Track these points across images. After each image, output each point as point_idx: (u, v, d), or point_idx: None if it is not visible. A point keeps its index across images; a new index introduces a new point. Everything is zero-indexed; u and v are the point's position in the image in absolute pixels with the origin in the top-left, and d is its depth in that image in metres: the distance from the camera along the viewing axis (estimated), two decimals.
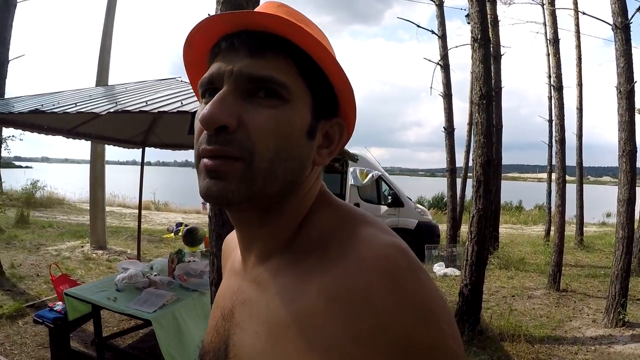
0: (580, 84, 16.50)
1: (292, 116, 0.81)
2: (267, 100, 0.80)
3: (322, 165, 0.91)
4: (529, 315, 8.18)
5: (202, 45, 0.90)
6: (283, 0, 0.93)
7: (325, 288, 0.71)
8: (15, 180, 25.27)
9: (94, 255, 11.61)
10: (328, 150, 0.90)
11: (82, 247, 12.47)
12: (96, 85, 10.40)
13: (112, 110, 4.60)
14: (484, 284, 7.74)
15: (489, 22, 12.54)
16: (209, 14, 3.17)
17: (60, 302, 5.48)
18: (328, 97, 0.87)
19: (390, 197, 13.96)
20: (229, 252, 1.17)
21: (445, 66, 14.49)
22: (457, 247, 12.64)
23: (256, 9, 0.90)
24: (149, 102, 4.79)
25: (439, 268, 11.66)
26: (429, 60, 14.88)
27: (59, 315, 5.29)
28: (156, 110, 4.41)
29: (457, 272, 11.04)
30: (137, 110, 4.51)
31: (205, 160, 0.80)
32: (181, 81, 7.28)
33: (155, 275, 5.51)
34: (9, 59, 9.39)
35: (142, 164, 10.11)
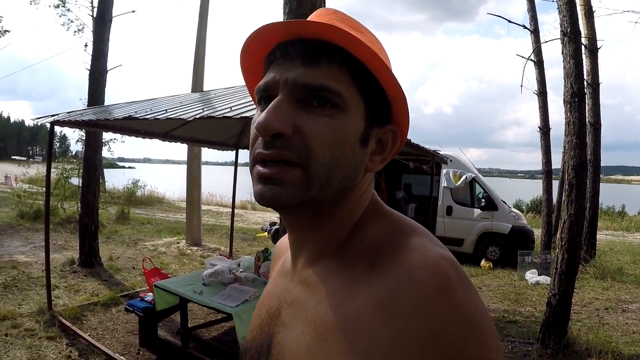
0: None
1: (346, 124, 0.82)
2: (321, 109, 0.81)
3: (374, 171, 0.92)
4: (620, 330, 7.44)
5: (258, 54, 0.91)
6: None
7: (376, 294, 0.72)
8: (117, 180, 26.21)
9: (189, 251, 12.06)
10: (381, 157, 0.91)
11: (178, 243, 13.01)
12: (192, 92, 10.75)
13: (197, 116, 4.87)
14: (576, 294, 7.27)
15: (584, 13, 11.68)
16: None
17: (151, 293, 5.85)
18: (381, 104, 0.87)
19: (484, 200, 13.33)
20: (279, 255, 1.17)
21: (538, 62, 13.73)
22: (552, 254, 11.37)
23: (311, 16, 0.93)
24: (233, 108, 4.98)
25: (531, 276, 10.89)
26: (521, 57, 13.81)
27: (149, 305, 5.67)
28: (239, 116, 4.58)
29: (550, 281, 10.18)
30: (222, 116, 4.73)
31: (260, 167, 0.81)
32: None
33: (241, 272, 5.76)
34: (107, 69, 9.89)
35: (236, 165, 10.53)
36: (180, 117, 5.02)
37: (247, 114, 4.57)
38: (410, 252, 0.75)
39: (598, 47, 12.92)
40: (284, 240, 1.13)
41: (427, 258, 0.73)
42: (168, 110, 5.45)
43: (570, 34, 6.79)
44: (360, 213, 0.91)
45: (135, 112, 5.75)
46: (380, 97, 0.87)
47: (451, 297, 0.68)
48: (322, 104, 0.81)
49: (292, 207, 0.82)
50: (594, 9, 12.77)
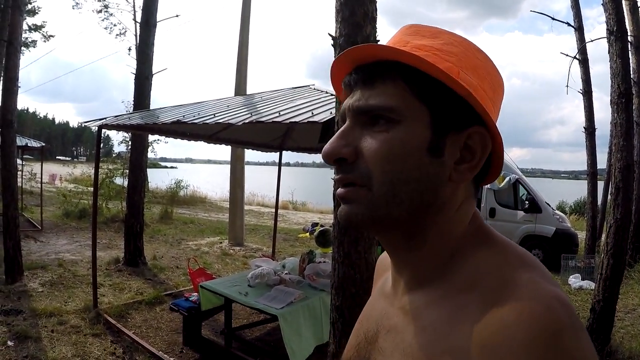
0: None
1: (404, 136, 0.79)
2: (377, 126, 0.80)
3: (463, 182, 0.83)
4: None
5: (338, 81, 0.93)
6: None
7: (479, 334, 0.67)
8: (160, 180, 26.53)
9: (231, 251, 12.14)
10: (469, 165, 0.82)
11: (221, 243, 13.11)
12: (235, 94, 10.80)
13: (247, 121, 4.88)
14: (621, 300, 7.05)
15: (629, 9, 11.17)
16: (329, 34, 3.35)
17: (196, 293, 5.90)
18: (455, 107, 0.80)
19: (527, 202, 12.83)
20: (381, 272, 1.14)
21: (583, 60, 12.99)
22: (596, 259, 11.06)
23: (391, 38, 0.91)
24: (281, 113, 5.00)
25: (574, 280, 10.59)
26: (566, 55, 13.24)
27: (193, 305, 5.72)
28: (288, 121, 4.62)
29: (593, 286, 9.85)
30: (271, 121, 4.74)
31: (338, 188, 0.84)
32: (314, 89, 7.41)
33: (286, 273, 5.78)
34: (153, 73, 10.00)
35: (280, 166, 10.50)
36: (229, 122, 5.07)
37: (295, 119, 4.61)
38: (519, 290, 0.70)
39: None
40: (386, 257, 1.08)
41: (536, 298, 0.67)
42: (216, 115, 5.51)
43: (616, 33, 6.57)
44: (457, 234, 0.85)
45: (183, 116, 5.83)
46: (453, 100, 0.80)
47: (561, 344, 0.63)
48: (376, 122, 0.81)
49: (366, 226, 0.83)
50: (639, 4, 12.04)
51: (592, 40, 12.82)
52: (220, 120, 5.13)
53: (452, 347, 0.70)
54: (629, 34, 7.21)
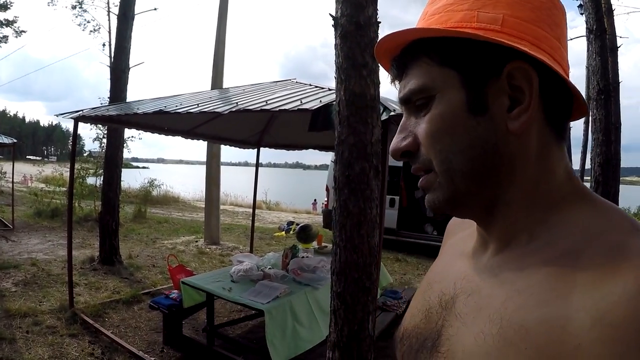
0: None
1: (442, 109, 0.75)
2: (420, 110, 0.79)
3: (524, 129, 0.73)
4: None
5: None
6: None
7: (595, 305, 0.57)
8: (133, 179, 26.29)
9: (208, 249, 12.03)
10: (521, 108, 0.72)
11: (196, 242, 13.00)
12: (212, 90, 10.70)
13: (234, 109, 4.77)
14: None
15: (604, 11, 11.86)
16: (330, 14, 3.29)
17: (176, 291, 5.78)
18: (479, 55, 0.73)
19: None
20: (454, 231, 1.06)
21: None
22: None
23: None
24: (269, 102, 4.91)
25: None
26: None
27: (174, 302, 5.58)
28: (278, 109, 4.52)
29: None
30: (259, 109, 4.64)
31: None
32: (297, 82, 7.37)
33: (269, 268, 5.68)
34: (129, 66, 9.87)
35: (257, 162, 10.46)
36: (215, 110, 4.93)
37: (285, 107, 4.52)
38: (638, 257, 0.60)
39: (618, 45, 12.65)
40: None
41: None
42: (199, 105, 5.36)
43: (596, 32, 6.96)
44: (548, 188, 0.75)
45: (165, 106, 5.67)
46: (476, 48, 0.73)
47: None
48: (419, 107, 0.79)
49: (447, 209, 0.80)
50: (613, 7, 12.53)
51: (571, 39, 13.16)
52: (206, 109, 4.98)
53: (554, 316, 0.60)
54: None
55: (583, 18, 7.30)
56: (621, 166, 14.78)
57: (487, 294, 0.73)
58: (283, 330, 4.68)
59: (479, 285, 0.77)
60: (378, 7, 3.55)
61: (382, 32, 3.83)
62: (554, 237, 0.71)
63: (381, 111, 3.80)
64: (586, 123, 14.24)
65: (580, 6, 11.68)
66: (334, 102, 3.69)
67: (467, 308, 0.75)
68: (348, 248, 3.55)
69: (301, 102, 4.82)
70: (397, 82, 0.84)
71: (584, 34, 7.17)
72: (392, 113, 3.95)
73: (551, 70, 0.71)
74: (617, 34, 12.54)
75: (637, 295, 0.54)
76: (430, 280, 0.94)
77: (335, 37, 3.56)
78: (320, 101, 4.67)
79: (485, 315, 0.69)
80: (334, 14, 3.58)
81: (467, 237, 0.92)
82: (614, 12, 12.54)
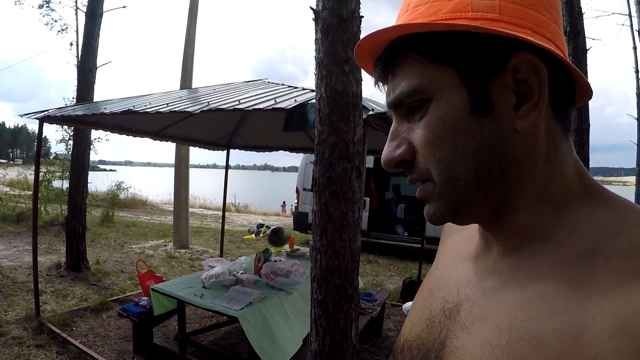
0: None
1: (441, 112, 0.68)
2: (417, 113, 0.71)
3: (533, 126, 0.67)
4: None
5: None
6: None
7: (610, 312, 0.52)
8: (100, 182, 26.06)
9: (177, 253, 11.87)
10: (530, 104, 0.66)
11: (165, 245, 12.82)
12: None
13: (205, 109, 4.65)
14: None
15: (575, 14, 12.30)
16: (310, 7, 3.19)
17: (146, 297, 5.64)
18: (478, 48, 0.66)
19: None
20: (451, 230, 1.00)
21: None
22: None
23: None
24: (242, 101, 4.80)
25: None
26: None
27: (144, 310, 5.45)
28: (251, 108, 4.42)
29: None
30: (232, 108, 4.54)
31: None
32: (269, 82, 7.30)
33: (242, 273, 5.56)
34: (97, 65, 9.70)
35: (227, 164, 10.40)
36: (186, 110, 4.79)
37: (259, 106, 4.43)
38: None
39: (587, 48, 13.01)
40: None
41: None
42: (169, 105, 5.23)
43: (570, 33, 7.20)
44: (558, 187, 0.69)
45: (134, 106, 5.50)
46: (474, 41, 0.66)
47: None
48: (412, 110, 0.72)
49: (449, 220, 0.74)
50: (583, 11, 12.92)
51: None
52: (176, 109, 4.83)
53: (568, 325, 0.55)
54: None
55: None
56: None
57: (495, 302, 0.68)
58: (269, 333, 4.58)
59: (485, 291, 0.72)
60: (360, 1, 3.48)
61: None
62: (566, 238, 0.66)
63: None
64: None
65: None
66: (310, 101, 3.60)
67: (473, 317, 0.70)
68: (329, 253, 3.45)
69: (275, 101, 4.73)
70: (381, 84, 0.78)
71: None
72: (371, 112, 3.83)
73: (555, 58, 0.65)
74: (586, 37, 13.06)
75: None
76: (431, 287, 0.88)
77: (316, 32, 3.47)
78: (296, 100, 4.58)
79: (493, 324, 0.64)
80: (314, 7, 3.48)
81: (468, 239, 0.86)
82: (584, 15, 13.06)
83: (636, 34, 12.08)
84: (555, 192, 0.69)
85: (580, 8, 12.80)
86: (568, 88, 0.70)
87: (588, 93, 0.74)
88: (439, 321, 0.77)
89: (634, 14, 12.88)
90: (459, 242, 0.91)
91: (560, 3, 0.73)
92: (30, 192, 17.24)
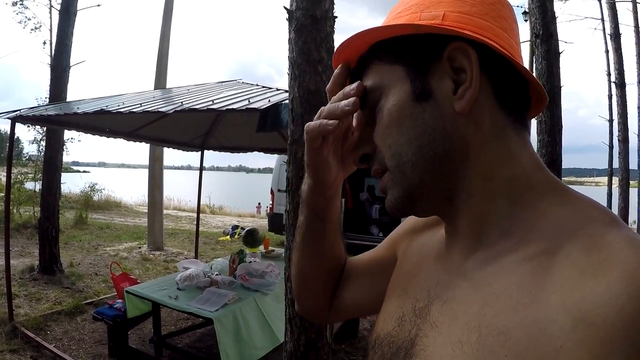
0: None
1: (388, 103, 0.76)
2: (370, 111, 0.81)
3: (469, 106, 0.71)
4: None
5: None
6: None
7: (576, 305, 0.54)
8: (73, 184, 25.84)
9: (151, 256, 11.79)
10: (464, 86, 0.70)
11: (140, 247, 12.72)
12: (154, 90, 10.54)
13: (179, 109, 4.62)
14: None
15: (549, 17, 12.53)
16: (284, 7, 3.19)
17: (120, 300, 5.58)
18: (419, 44, 0.74)
19: None
20: (417, 226, 1.02)
21: None
22: None
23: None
24: (215, 101, 4.79)
25: None
26: None
27: (119, 312, 5.39)
28: (225, 108, 4.41)
29: None
30: (205, 108, 4.52)
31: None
32: (243, 82, 7.29)
33: (216, 274, 5.54)
34: (70, 65, 9.59)
35: (201, 165, 10.34)
36: (160, 110, 4.75)
37: (233, 107, 4.41)
38: (621, 252, 0.56)
39: (560, 51, 13.27)
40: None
41: None
42: (143, 104, 5.19)
43: (542, 36, 7.24)
44: (511, 176, 0.72)
45: (107, 106, 5.45)
46: (417, 40, 0.75)
47: None
48: (371, 107, 0.81)
49: (405, 208, 0.79)
50: (556, 15, 13.16)
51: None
52: (150, 109, 4.80)
53: (534, 319, 0.57)
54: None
55: (527, 25, 7.66)
56: None
57: (464, 300, 0.70)
58: (235, 338, 4.56)
59: (455, 291, 0.73)
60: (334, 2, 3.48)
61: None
62: (527, 233, 0.68)
63: None
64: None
65: (525, 13, 12.05)
66: (283, 102, 3.60)
67: (443, 317, 0.72)
68: None
69: (249, 101, 4.73)
70: None
71: (529, 40, 7.52)
72: None
73: (496, 53, 0.71)
74: (559, 40, 13.32)
75: (621, 293, 0.51)
76: (403, 285, 0.90)
77: (290, 31, 3.47)
78: (269, 101, 4.59)
79: (463, 322, 0.66)
80: (288, 7, 3.49)
81: (438, 239, 0.89)
82: (557, 19, 13.29)
83: (608, 37, 12.27)
84: (508, 180, 0.72)
85: (554, 12, 13.10)
86: (517, 84, 0.74)
87: (542, 95, 0.79)
88: (410, 320, 0.79)
89: (606, 18, 13.14)
90: (429, 243, 0.93)
91: (514, 16, 0.80)
92: (2, 194, 17.04)
